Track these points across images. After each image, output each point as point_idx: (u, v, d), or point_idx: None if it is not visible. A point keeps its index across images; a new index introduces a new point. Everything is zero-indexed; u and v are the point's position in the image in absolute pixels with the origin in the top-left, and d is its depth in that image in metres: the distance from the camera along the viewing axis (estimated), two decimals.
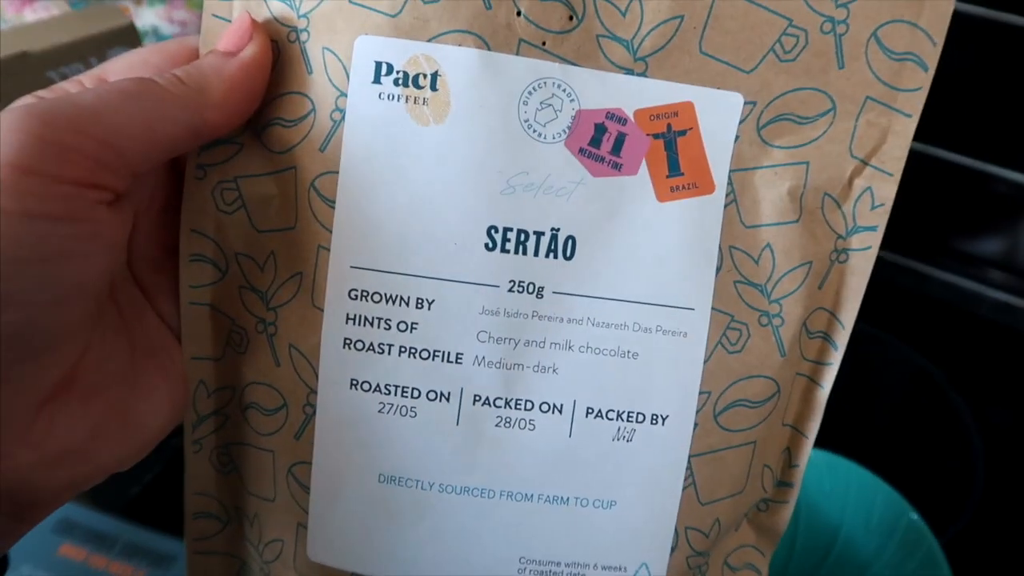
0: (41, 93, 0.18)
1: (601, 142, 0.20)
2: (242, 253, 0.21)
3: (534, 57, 0.19)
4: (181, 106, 0.18)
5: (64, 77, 0.39)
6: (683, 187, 0.20)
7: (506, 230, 0.20)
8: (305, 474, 0.21)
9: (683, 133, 0.20)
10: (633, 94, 0.20)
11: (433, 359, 0.21)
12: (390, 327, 0.20)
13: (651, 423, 0.21)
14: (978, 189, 0.54)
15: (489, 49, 0.19)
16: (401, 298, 0.20)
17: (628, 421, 0.21)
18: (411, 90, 0.20)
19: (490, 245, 0.20)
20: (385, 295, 0.20)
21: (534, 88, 0.20)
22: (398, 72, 0.19)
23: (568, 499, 0.21)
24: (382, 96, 0.20)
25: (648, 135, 0.20)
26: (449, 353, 0.20)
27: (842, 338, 0.22)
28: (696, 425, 0.21)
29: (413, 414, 0.21)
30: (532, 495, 0.21)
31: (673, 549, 0.22)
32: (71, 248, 0.17)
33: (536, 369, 0.21)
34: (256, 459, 0.22)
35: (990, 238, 0.57)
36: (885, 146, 0.21)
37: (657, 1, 0.19)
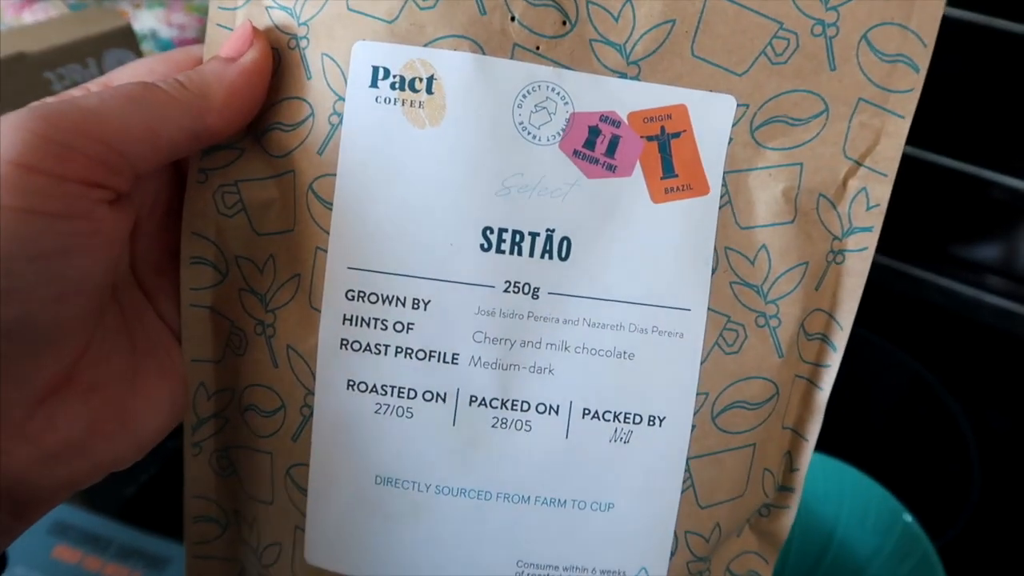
0: (47, 99, 0.19)
1: (595, 144, 0.20)
2: (242, 256, 0.21)
3: (528, 61, 0.20)
4: (183, 110, 0.18)
5: (61, 78, 0.39)
6: (677, 188, 0.20)
7: (501, 231, 0.20)
8: (303, 476, 0.21)
9: (677, 135, 0.20)
10: (626, 97, 0.20)
11: (429, 359, 0.21)
12: (386, 327, 0.20)
13: (648, 424, 0.21)
14: (977, 195, 0.54)
15: (484, 53, 0.20)
16: (397, 298, 0.20)
17: (625, 422, 0.21)
18: (407, 94, 0.20)
19: (485, 246, 0.20)
20: (382, 296, 0.20)
21: (528, 91, 0.20)
22: (395, 76, 0.20)
23: (565, 501, 0.21)
24: (379, 100, 0.20)
25: (642, 137, 0.20)
26: (445, 353, 0.21)
27: (840, 340, 0.22)
28: (694, 427, 0.21)
29: (409, 415, 0.21)
30: (529, 497, 0.21)
31: (673, 553, 0.22)
32: (72, 245, 0.17)
33: (532, 370, 0.21)
34: (255, 461, 0.22)
35: (988, 244, 0.57)
36: (879, 147, 0.21)
37: (649, 6, 0.20)
